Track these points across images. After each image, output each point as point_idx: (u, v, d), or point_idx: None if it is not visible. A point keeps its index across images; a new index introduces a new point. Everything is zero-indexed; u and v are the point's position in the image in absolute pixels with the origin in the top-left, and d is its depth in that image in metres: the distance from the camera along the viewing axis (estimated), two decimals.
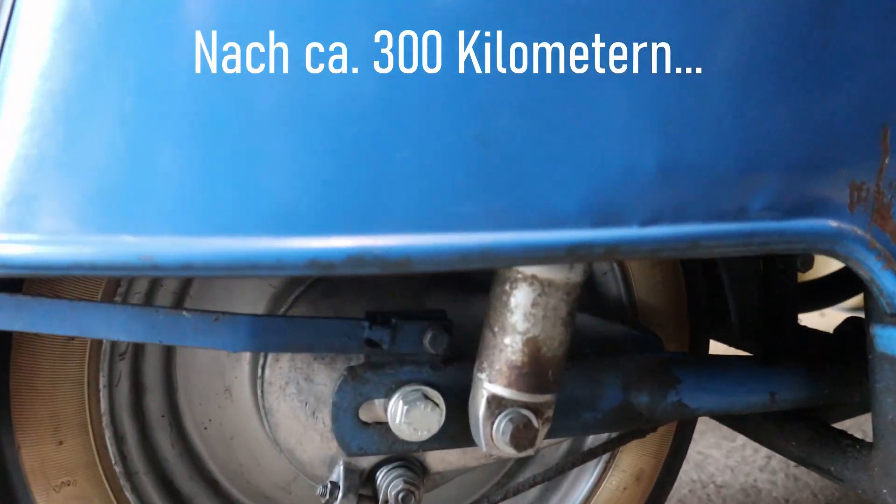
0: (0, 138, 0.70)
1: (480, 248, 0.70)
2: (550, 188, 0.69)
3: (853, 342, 1.20)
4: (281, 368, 1.10)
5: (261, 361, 1.11)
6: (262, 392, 1.11)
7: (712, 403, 1.11)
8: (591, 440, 1.27)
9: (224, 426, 1.17)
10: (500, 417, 0.94)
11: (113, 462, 1.06)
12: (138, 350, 1.11)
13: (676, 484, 2.05)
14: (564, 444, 1.31)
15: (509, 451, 0.95)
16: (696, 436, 2.36)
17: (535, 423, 0.94)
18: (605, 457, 1.26)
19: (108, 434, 1.06)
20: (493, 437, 0.95)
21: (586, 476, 1.28)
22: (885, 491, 1.03)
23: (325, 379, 1.09)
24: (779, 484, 2.13)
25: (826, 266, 1.92)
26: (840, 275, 1.75)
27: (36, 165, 0.69)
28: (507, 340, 0.91)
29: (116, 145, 0.68)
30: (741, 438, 2.42)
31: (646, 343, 1.17)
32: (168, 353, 1.14)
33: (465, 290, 1.13)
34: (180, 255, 0.68)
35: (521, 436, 0.94)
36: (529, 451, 0.97)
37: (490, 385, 0.93)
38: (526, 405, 0.94)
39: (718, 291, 1.28)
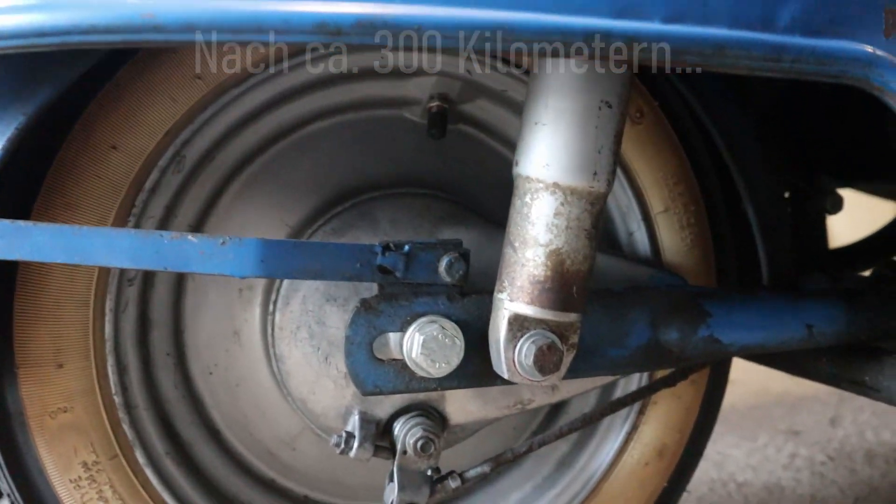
0: None
1: (496, 22, 0.68)
2: None
3: (891, 283, 1.15)
4: (292, 312, 1.05)
5: (271, 305, 1.07)
6: (273, 337, 1.06)
7: (746, 338, 1.05)
8: (621, 392, 1.20)
9: (230, 372, 1.12)
10: (522, 340, 0.89)
11: (113, 392, 1.00)
12: (148, 279, 1.07)
13: (695, 482, 1.96)
14: (593, 398, 1.25)
15: (534, 377, 0.89)
16: (715, 436, 2.25)
17: (560, 345, 0.89)
18: (626, 427, 1.19)
19: (110, 362, 1.00)
20: (515, 362, 0.90)
21: (606, 448, 1.21)
22: None
23: (337, 322, 1.05)
24: (804, 482, 2.04)
25: (856, 230, 1.86)
26: (870, 240, 1.69)
27: None
28: (528, 254, 0.87)
29: None
30: (762, 438, 2.33)
31: (673, 285, 1.12)
32: (178, 288, 1.10)
33: (485, 230, 1.08)
34: (183, 14, 0.65)
35: (546, 358, 0.88)
36: (554, 379, 0.91)
37: (512, 304, 0.88)
38: (549, 325, 0.89)
39: (747, 236, 1.22)
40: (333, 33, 0.65)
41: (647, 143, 1.12)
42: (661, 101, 1.12)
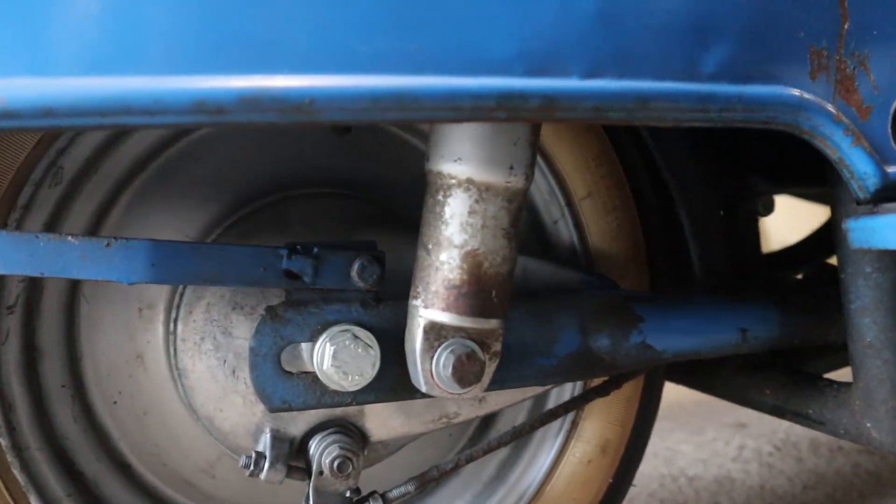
0: None
1: (395, 92, 0.60)
2: (477, 27, 0.60)
3: (825, 283, 1.12)
4: (195, 322, 0.97)
5: (173, 312, 0.99)
6: (175, 351, 0.98)
7: (679, 344, 1.01)
8: (553, 402, 1.15)
9: (136, 399, 1.03)
10: (440, 350, 0.83)
11: None
12: (31, 305, 0.97)
13: (646, 479, 1.96)
14: (524, 412, 1.19)
15: (453, 389, 0.83)
16: (663, 433, 2.27)
17: (481, 355, 0.83)
18: (566, 426, 1.14)
19: None
20: (433, 374, 0.83)
21: (546, 449, 1.15)
22: (868, 425, 0.94)
23: (245, 332, 0.97)
24: (753, 473, 2.04)
25: (790, 233, 1.86)
26: (804, 243, 1.68)
27: None
28: (443, 257, 0.81)
29: None
30: (711, 432, 2.33)
31: (603, 288, 1.07)
32: (69, 314, 1.00)
33: (402, 231, 1.02)
34: (40, 98, 0.57)
35: (466, 369, 0.82)
36: (476, 391, 0.85)
37: (426, 311, 0.82)
38: (468, 333, 0.82)
39: (678, 238, 1.19)
40: (215, 112, 0.58)
41: (566, 126, 1.07)
42: None
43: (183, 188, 1.01)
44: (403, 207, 1.07)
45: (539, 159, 1.04)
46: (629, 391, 1.15)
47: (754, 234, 1.20)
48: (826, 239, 1.49)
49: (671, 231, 1.16)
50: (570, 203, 1.09)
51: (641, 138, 1.11)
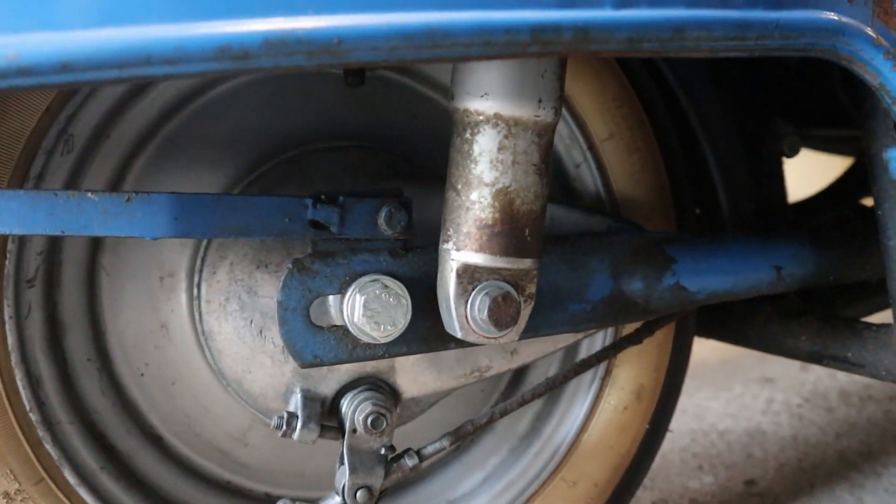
0: None
1: (427, 28, 0.58)
2: None
3: (856, 221, 1.09)
4: (219, 283, 0.95)
5: (196, 276, 0.97)
6: (201, 315, 0.96)
7: (713, 284, 0.98)
8: (584, 355, 1.13)
9: (163, 370, 1.01)
10: (474, 293, 0.80)
11: (28, 409, 0.90)
12: (51, 278, 0.95)
13: (677, 434, 1.95)
14: (555, 366, 1.17)
15: (490, 333, 0.81)
16: (690, 391, 2.25)
17: (516, 296, 0.81)
18: (599, 375, 1.12)
19: (18, 376, 0.89)
20: (468, 318, 0.81)
21: (580, 401, 1.13)
22: None
23: (270, 290, 0.95)
24: (784, 424, 2.02)
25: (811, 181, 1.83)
26: (826, 193, 1.65)
27: None
28: (473, 196, 0.78)
29: None
30: (738, 387, 2.31)
31: (632, 231, 1.04)
32: (89, 285, 0.98)
33: (422, 181, 0.99)
34: (55, 52, 0.55)
35: (502, 310, 0.80)
36: (513, 335, 0.83)
37: (459, 253, 0.79)
38: (503, 275, 0.80)
39: (704, 181, 1.16)
40: (240, 57, 0.55)
41: (585, 66, 1.04)
42: None
43: (198, 150, 0.98)
44: (421, 158, 1.04)
45: None
46: (661, 337, 1.13)
47: (779, 177, 1.17)
48: (847, 189, 1.46)
49: (696, 173, 1.13)
50: (591, 146, 1.06)
51: (663, 77, 1.08)
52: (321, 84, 1.02)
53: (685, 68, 1.10)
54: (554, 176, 1.10)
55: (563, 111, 1.04)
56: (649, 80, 1.08)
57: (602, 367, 1.11)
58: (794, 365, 2.48)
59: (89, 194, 0.76)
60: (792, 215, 1.55)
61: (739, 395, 2.24)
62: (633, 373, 1.13)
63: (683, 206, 1.12)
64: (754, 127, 1.22)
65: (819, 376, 2.35)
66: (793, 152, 1.20)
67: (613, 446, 1.12)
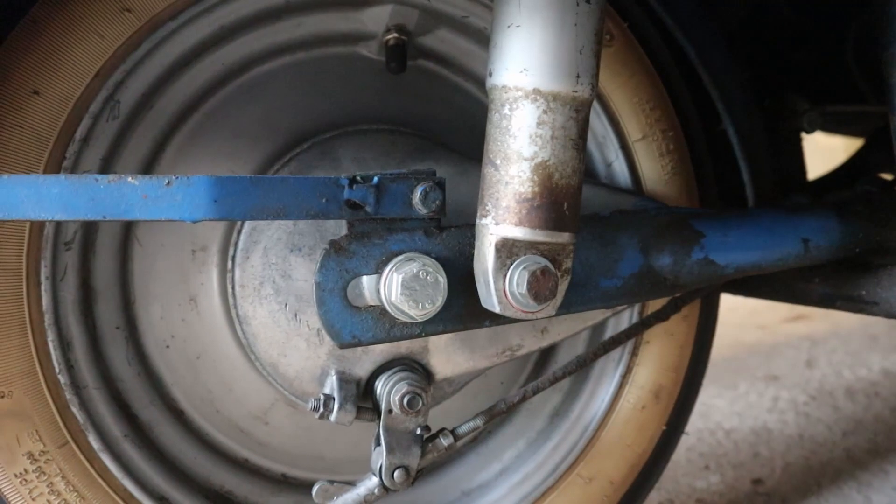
0: None
1: None
2: None
3: (879, 193, 1.10)
4: (253, 266, 0.96)
5: (230, 262, 0.97)
6: (234, 297, 0.96)
7: (742, 258, 0.99)
8: (610, 334, 1.14)
9: (189, 343, 1.01)
10: (513, 267, 0.81)
11: (57, 371, 0.90)
12: (87, 243, 0.95)
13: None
14: (581, 347, 1.18)
15: (528, 307, 0.82)
16: None
17: (554, 270, 0.82)
18: (620, 370, 1.12)
19: (51, 337, 0.89)
20: (507, 293, 0.82)
21: (601, 393, 1.14)
22: None
23: (305, 273, 0.95)
24: (790, 422, 2.03)
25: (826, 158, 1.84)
26: (842, 169, 1.66)
27: None
28: (512, 171, 0.79)
29: None
30: (743, 386, 2.32)
31: (659, 208, 1.05)
32: (123, 254, 0.98)
33: (459, 164, 1.00)
34: None
35: (541, 284, 0.80)
36: (550, 309, 0.84)
37: (498, 227, 0.80)
38: (540, 249, 0.81)
39: (726, 166, 1.17)
40: None
41: (620, 67, 1.06)
42: (630, 21, 1.05)
43: (236, 128, 0.99)
44: (453, 143, 1.05)
45: (594, 102, 1.03)
46: (682, 337, 1.15)
47: (799, 153, 1.18)
48: (862, 165, 1.48)
49: (719, 159, 1.14)
50: (624, 145, 1.08)
51: (685, 54, 1.09)
52: (361, 72, 1.03)
53: (706, 43, 1.11)
54: (586, 172, 1.11)
55: (599, 110, 1.06)
56: (683, 86, 1.10)
57: (623, 362, 1.12)
58: (799, 363, 2.48)
59: (129, 178, 0.76)
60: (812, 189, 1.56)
61: (745, 393, 2.25)
62: (653, 371, 1.14)
63: (708, 202, 1.13)
64: (771, 104, 1.23)
65: (825, 374, 2.36)
66: (812, 128, 1.21)
67: (631, 445, 1.13)
